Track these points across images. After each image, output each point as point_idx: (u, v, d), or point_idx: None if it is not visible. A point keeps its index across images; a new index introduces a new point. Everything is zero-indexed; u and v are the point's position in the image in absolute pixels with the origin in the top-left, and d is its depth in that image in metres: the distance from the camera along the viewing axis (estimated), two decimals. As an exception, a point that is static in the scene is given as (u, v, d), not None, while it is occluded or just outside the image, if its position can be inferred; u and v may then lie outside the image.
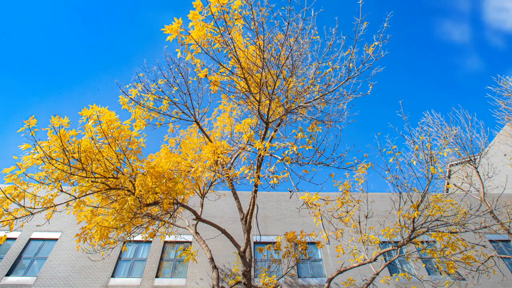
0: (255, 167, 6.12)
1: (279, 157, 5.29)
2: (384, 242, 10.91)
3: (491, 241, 12.28)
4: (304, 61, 6.29)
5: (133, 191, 5.44)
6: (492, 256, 8.16)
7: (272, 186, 5.10)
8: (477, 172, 10.36)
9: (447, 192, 16.27)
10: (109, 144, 5.18)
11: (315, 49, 6.02)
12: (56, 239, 11.45)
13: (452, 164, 16.57)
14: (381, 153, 6.32)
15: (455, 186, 10.51)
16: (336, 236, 7.92)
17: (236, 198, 8.26)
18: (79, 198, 5.19)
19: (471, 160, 10.47)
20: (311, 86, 6.29)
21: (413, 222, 6.62)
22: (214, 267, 7.51)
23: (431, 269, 11.16)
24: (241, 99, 6.46)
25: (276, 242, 11.20)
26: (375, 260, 7.13)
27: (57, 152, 4.71)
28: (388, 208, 13.05)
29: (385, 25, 5.13)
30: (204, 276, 10.68)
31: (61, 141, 4.57)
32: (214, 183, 8.86)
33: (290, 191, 5.21)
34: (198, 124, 7.77)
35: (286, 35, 5.26)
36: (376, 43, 5.32)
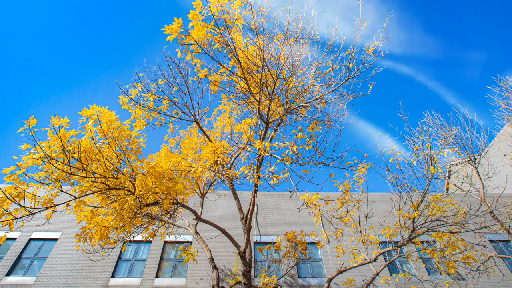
0: (255, 167, 6.12)
1: (279, 157, 5.29)
2: (384, 242, 10.90)
3: (491, 241, 12.28)
4: (304, 61, 6.29)
5: (133, 191, 5.44)
6: (492, 256, 8.16)
7: (272, 186, 5.10)
8: (477, 172, 10.36)
9: (447, 192, 16.28)
10: (109, 144, 5.18)
11: (315, 49, 6.03)
12: (56, 239, 11.45)
13: (452, 164, 16.58)
14: (381, 153, 6.32)
15: (455, 186, 10.51)
16: (336, 236, 7.93)
17: (236, 198, 8.25)
18: (79, 198, 5.19)
19: (471, 160, 10.47)
20: (311, 86, 6.29)
21: (413, 222, 6.62)
22: (214, 267, 7.51)
23: (431, 269, 11.15)
24: (241, 99, 6.46)
25: (276, 242, 11.20)
26: (375, 260, 7.13)
27: (57, 152, 4.71)
28: (388, 208, 13.05)
29: (385, 25, 5.13)
30: (204, 276, 10.68)
31: (61, 141, 4.57)
32: (214, 183, 8.86)
33: (290, 191, 5.21)
34: (198, 124, 7.77)
35: (286, 35, 5.26)
36: (376, 43, 5.33)
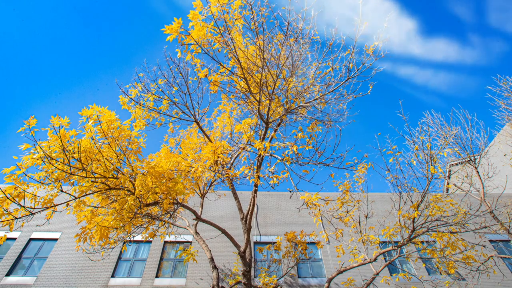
0: (255, 167, 6.12)
1: (279, 157, 5.29)
2: (384, 242, 10.90)
3: (491, 241, 12.28)
4: (304, 61, 6.29)
5: (133, 191, 5.44)
6: (492, 256, 8.15)
7: (272, 186, 5.10)
8: (477, 172, 10.35)
9: (447, 192, 16.27)
10: (109, 144, 5.18)
11: (315, 49, 6.03)
12: (56, 239, 11.45)
13: (452, 164, 16.57)
14: (381, 153, 6.32)
15: (455, 186, 10.50)
16: (336, 236, 7.92)
17: (236, 198, 8.25)
18: (79, 198, 5.19)
19: (471, 160, 10.46)
20: (311, 86, 6.29)
21: (413, 222, 6.62)
22: (214, 267, 7.51)
23: (431, 269, 11.15)
24: (241, 99, 6.46)
25: (276, 242, 11.19)
26: (375, 260, 7.13)
27: (57, 152, 4.71)
28: (388, 208, 13.05)
29: (385, 25, 5.13)
30: (204, 276, 10.68)
31: (61, 141, 4.57)
32: (214, 183, 8.86)
33: (290, 191, 5.21)
34: (198, 124, 7.77)
35: (286, 35, 5.27)
36: (376, 43, 5.33)
